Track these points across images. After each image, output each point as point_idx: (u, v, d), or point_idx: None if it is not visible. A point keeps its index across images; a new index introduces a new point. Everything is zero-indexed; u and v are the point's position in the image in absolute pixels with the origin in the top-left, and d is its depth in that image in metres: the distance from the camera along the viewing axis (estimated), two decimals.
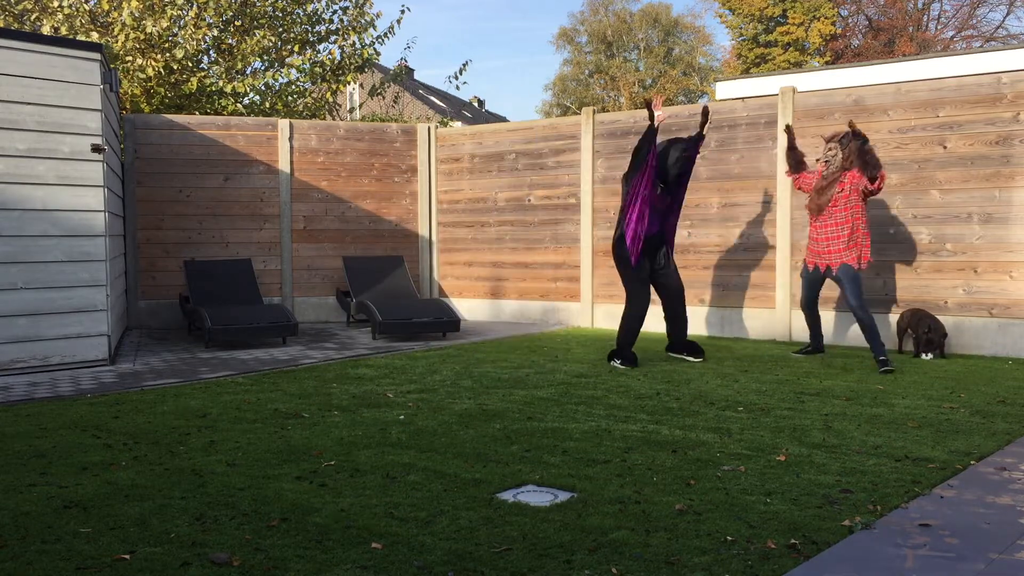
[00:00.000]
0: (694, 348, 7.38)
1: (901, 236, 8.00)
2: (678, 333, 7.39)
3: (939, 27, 37.09)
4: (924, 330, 7.42)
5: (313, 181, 10.59)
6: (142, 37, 11.59)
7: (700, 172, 9.15)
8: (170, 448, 4.45)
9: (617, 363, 7.06)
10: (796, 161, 7.47)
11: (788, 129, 7.63)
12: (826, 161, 7.09)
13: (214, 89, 12.16)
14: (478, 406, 5.47)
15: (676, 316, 7.34)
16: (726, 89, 14.30)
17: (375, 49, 13.82)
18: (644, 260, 7.14)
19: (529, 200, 10.43)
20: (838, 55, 35.79)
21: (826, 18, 35.00)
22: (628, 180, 7.04)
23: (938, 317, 7.65)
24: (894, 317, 8.00)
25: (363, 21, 13.55)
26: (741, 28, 37.13)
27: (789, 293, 8.58)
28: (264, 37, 12.39)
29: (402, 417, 5.16)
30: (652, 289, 7.29)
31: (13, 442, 4.58)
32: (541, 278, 10.37)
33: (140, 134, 9.96)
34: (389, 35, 14.15)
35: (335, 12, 13.57)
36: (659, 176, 6.99)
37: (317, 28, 13.39)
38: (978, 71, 9.75)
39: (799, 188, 7.45)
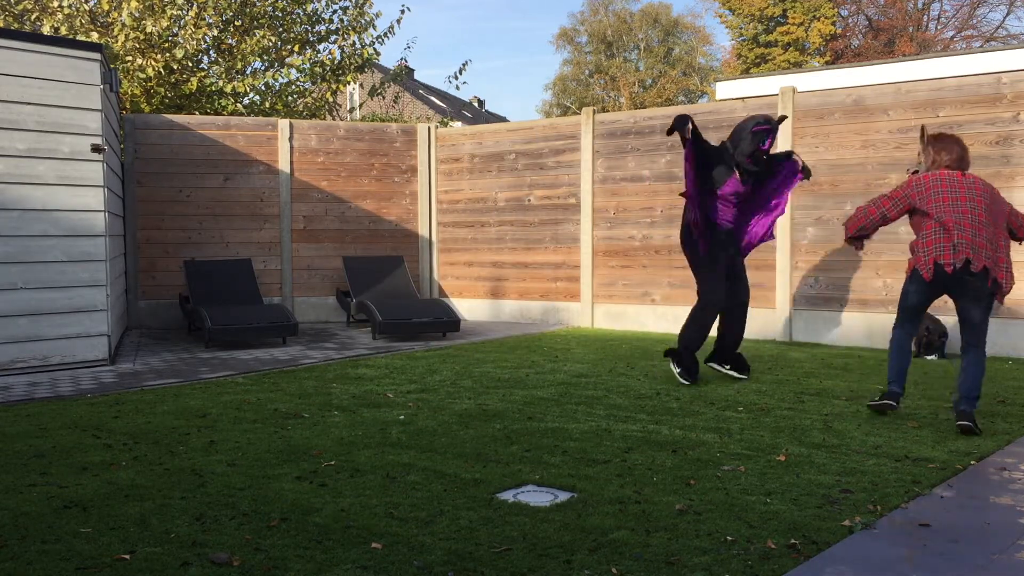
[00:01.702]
0: (740, 363, 6.46)
1: (901, 236, 8.00)
2: (728, 344, 6.45)
3: (939, 27, 37.10)
4: (923, 332, 7.42)
5: (313, 181, 10.59)
6: (142, 37, 11.59)
7: None
8: (170, 448, 4.45)
9: (675, 368, 6.19)
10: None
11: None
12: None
13: (214, 89, 12.16)
14: (478, 406, 5.47)
15: (731, 325, 6.43)
16: (726, 89, 14.30)
17: (375, 49, 13.83)
18: (719, 251, 6.21)
19: (529, 200, 10.42)
20: (838, 55, 35.80)
21: (826, 18, 35.01)
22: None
23: (938, 317, 7.65)
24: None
25: (363, 21, 13.55)
26: (741, 28, 37.14)
27: (789, 294, 8.58)
28: (264, 37, 12.39)
29: (402, 417, 5.16)
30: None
31: (13, 442, 4.58)
32: (541, 278, 10.37)
33: (140, 134, 9.96)
34: (389, 35, 14.16)
35: (335, 12, 13.58)
36: (739, 168, 6.15)
37: (317, 28, 13.39)
38: (978, 71, 9.75)
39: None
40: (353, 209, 10.77)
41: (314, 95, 13.88)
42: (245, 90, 12.29)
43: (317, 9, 13.25)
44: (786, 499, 3.56)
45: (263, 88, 12.78)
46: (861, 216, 5.24)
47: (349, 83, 13.61)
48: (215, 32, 12.14)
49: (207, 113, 12.27)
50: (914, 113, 7.93)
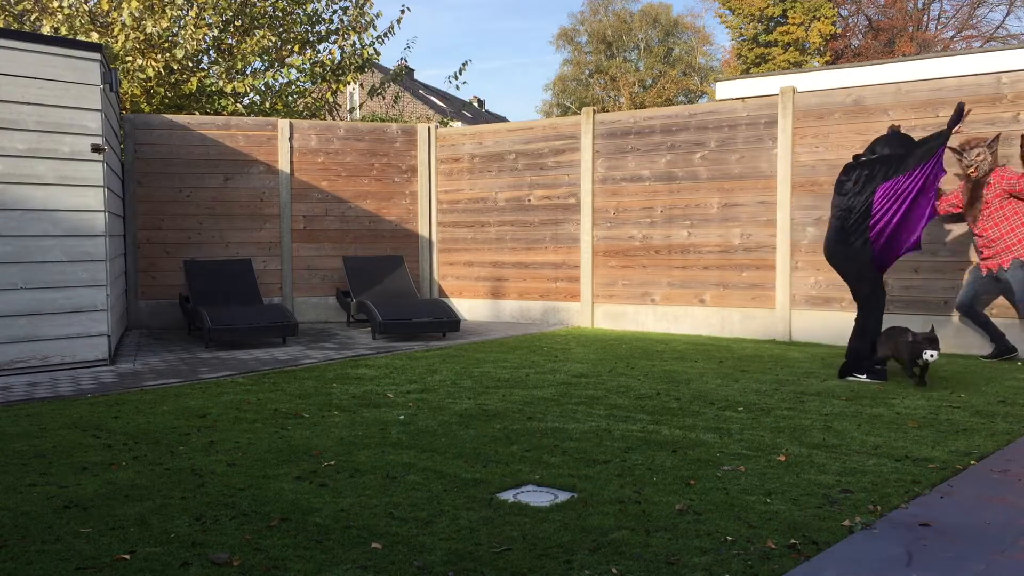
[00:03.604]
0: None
1: None
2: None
3: (939, 27, 37.10)
4: (911, 352, 6.06)
5: (313, 181, 10.59)
6: (142, 37, 11.59)
7: (700, 172, 9.15)
8: (170, 448, 4.45)
9: (860, 377, 6.28)
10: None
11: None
12: (976, 167, 7.19)
13: (214, 89, 12.16)
14: (478, 406, 5.47)
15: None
16: (726, 89, 14.28)
17: (375, 49, 13.83)
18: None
19: (529, 200, 10.42)
20: (838, 55, 35.80)
21: (826, 18, 35.01)
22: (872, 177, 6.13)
23: (939, 317, 7.65)
24: (894, 318, 7.98)
25: (363, 21, 13.55)
26: (741, 28, 37.14)
27: (789, 293, 8.58)
28: (264, 37, 12.38)
29: (402, 417, 5.16)
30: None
31: (13, 442, 4.58)
32: (541, 278, 10.37)
33: (140, 134, 9.96)
34: (389, 35, 14.16)
35: (335, 12, 13.57)
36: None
37: (317, 28, 13.39)
38: (978, 71, 9.74)
39: (948, 212, 7.46)
40: (353, 209, 10.77)
41: (314, 95, 13.88)
42: (245, 90, 12.29)
43: (317, 9, 13.25)
44: (786, 499, 3.56)
45: (263, 88, 12.78)
46: None
47: (349, 83, 13.61)
48: (215, 32, 12.14)
49: (207, 113, 12.26)
50: (914, 113, 7.93)
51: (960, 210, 7.37)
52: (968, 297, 7.41)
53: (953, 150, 7.49)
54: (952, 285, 7.74)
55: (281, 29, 13.03)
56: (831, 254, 6.45)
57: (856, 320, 6.42)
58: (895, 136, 6.38)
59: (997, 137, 7.28)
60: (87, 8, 11.89)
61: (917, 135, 7.87)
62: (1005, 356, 7.21)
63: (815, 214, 8.42)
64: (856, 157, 6.39)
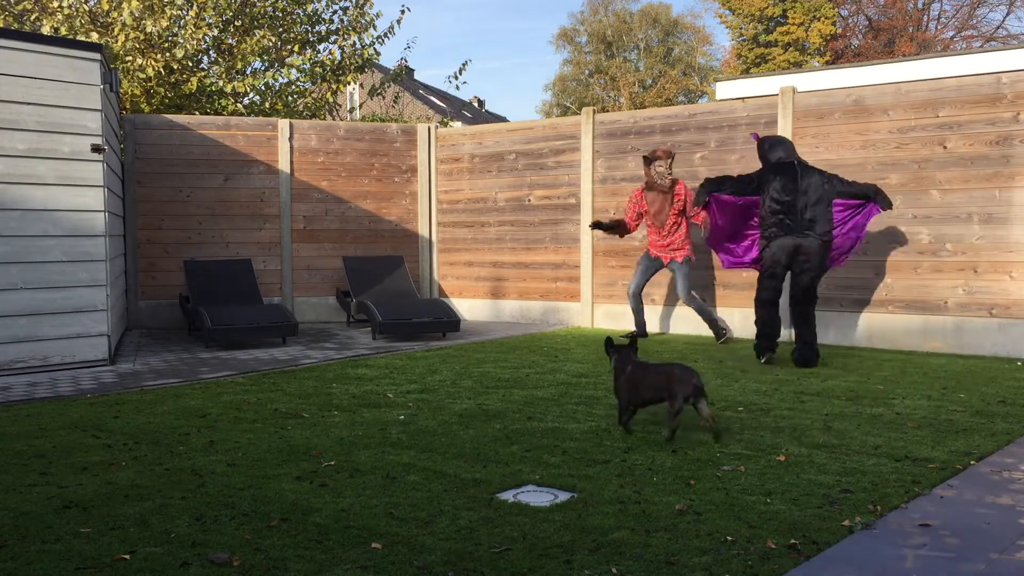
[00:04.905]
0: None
1: (901, 236, 8.00)
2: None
3: (939, 27, 37.11)
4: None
5: (313, 181, 10.59)
6: (142, 37, 11.59)
7: (700, 172, 9.15)
8: (170, 448, 4.45)
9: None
10: (623, 230, 8.74)
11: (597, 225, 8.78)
12: (670, 175, 8.35)
13: (214, 89, 12.16)
14: (478, 406, 5.47)
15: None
16: (726, 89, 14.29)
17: (375, 49, 13.83)
18: None
19: (529, 200, 10.42)
20: (838, 55, 35.81)
21: (826, 18, 35.02)
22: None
23: (939, 316, 7.64)
24: (894, 317, 7.99)
25: (363, 21, 13.56)
26: (741, 28, 37.15)
27: (789, 293, 8.56)
28: (264, 37, 12.39)
29: (402, 417, 5.16)
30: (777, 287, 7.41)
31: (13, 442, 4.58)
32: (541, 278, 10.37)
33: (140, 134, 9.96)
34: (389, 35, 14.17)
35: (335, 12, 13.58)
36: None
37: (317, 28, 13.40)
38: (978, 71, 9.74)
39: (642, 222, 8.76)
40: (353, 209, 10.77)
41: (314, 95, 13.88)
42: (245, 90, 12.29)
43: (317, 9, 13.25)
44: (786, 499, 3.56)
45: (263, 88, 12.78)
46: None
47: (349, 83, 13.61)
48: (215, 32, 12.14)
49: (207, 113, 12.27)
50: (914, 113, 7.93)
51: (641, 219, 8.58)
52: (642, 284, 8.61)
53: (645, 159, 8.36)
54: (952, 285, 7.75)
55: (281, 29, 13.03)
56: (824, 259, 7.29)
57: (812, 314, 7.23)
58: (775, 140, 7.30)
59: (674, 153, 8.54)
60: (87, 8, 11.90)
61: (916, 135, 7.91)
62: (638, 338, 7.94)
63: None
64: (796, 162, 7.11)
